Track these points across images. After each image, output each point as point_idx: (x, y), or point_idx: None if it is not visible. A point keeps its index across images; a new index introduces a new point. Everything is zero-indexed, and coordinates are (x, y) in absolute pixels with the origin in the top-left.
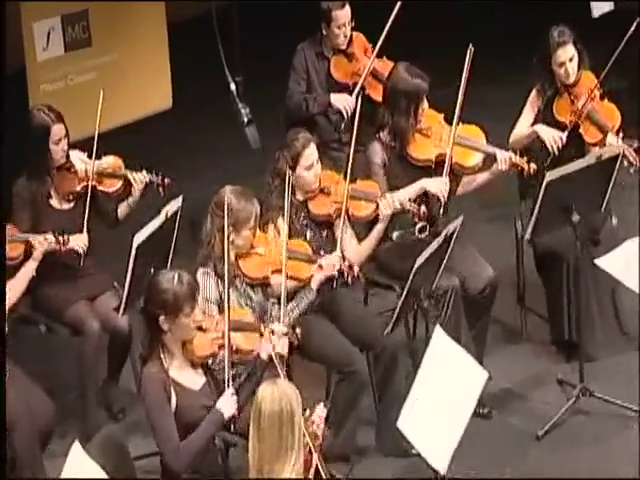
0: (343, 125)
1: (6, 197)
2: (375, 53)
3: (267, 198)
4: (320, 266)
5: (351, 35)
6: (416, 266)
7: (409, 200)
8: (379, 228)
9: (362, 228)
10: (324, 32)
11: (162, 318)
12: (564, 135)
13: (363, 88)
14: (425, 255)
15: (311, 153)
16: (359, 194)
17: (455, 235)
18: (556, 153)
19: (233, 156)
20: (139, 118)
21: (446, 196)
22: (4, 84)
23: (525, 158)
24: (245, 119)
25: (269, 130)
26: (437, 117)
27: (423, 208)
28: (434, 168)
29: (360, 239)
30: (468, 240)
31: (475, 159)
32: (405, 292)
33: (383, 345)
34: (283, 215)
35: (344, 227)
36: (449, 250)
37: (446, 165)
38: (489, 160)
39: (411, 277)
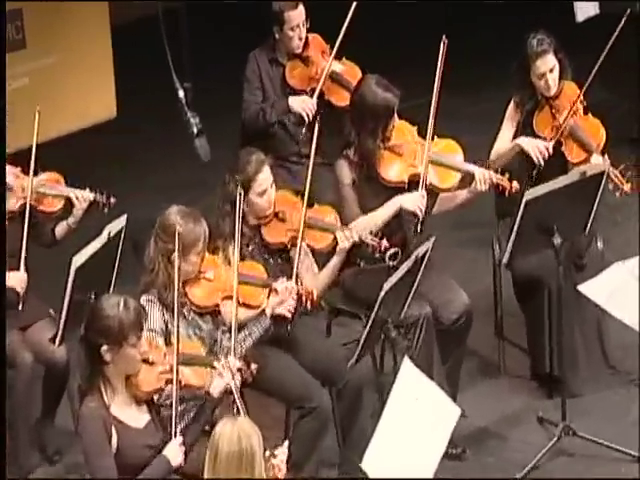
0: (303, 132)
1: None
2: (333, 55)
3: (217, 223)
4: (274, 290)
5: (307, 37)
6: (383, 292)
7: (371, 233)
8: (335, 262)
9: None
10: (277, 36)
11: (104, 348)
12: (550, 145)
13: (322, 93)
14: (393, 280)
15: (265, 178)
16: (316, 223)
17: (426, 258)
18: (542, 164)
19: (181, 170)
20: (79, 129)
21: (423, 211)
22: (3, 84)
23: (507, 175)
24: (195, 129)
25: (221, 141)
26: (410, 131)
27: (384, 242)
28: (408, 188)
29: (322, 266)
30: (440, 264)
31: (452, 180)
32: (371, 321)
33: (347, 379)
34: (234, 242)
35: (301, 256)
36: (419, 275)
37: (420, 185)
38: (468, 178)
39: (378, 304)
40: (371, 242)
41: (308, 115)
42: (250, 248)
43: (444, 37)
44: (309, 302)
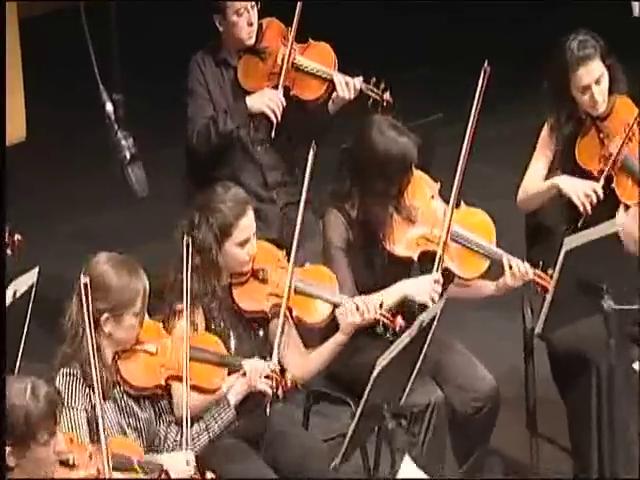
0: (267, 139)
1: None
2: (292, 37)
3: (173, 281)
4: (243, 373)
5: (260, 24)
6: (377, 371)
7: (380, 306)
8: (338, 340)
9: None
10: (220, 28)
11: (7, 450)
12: (599, 186)
13: (287, 89)
14: (390, 355)
15: (248, 224)
16: (308, 289)
17: (434, 326)
18: (589, 213)
19: (109, 207)
20: None
21: (436, 299)
22: (3, 89)
23: (550, 273)
24: (127, 154)
25: (162, 170)
26: (430, 188)
27: (400, 320)
28: (418, 263)
29: (309, 345)
30: (454, 334)
31: (477, 268)
32: (361, 409)
33: None
34: (204, 307)
35: (284, 329)
36: (424, 348)
37: (436, 268)
38: (495, 266)
39: (370, 387)
40: (383, 319)
41: (275, 112)
42: (220, 315)
43: (486, 64)
44: (281, 390)
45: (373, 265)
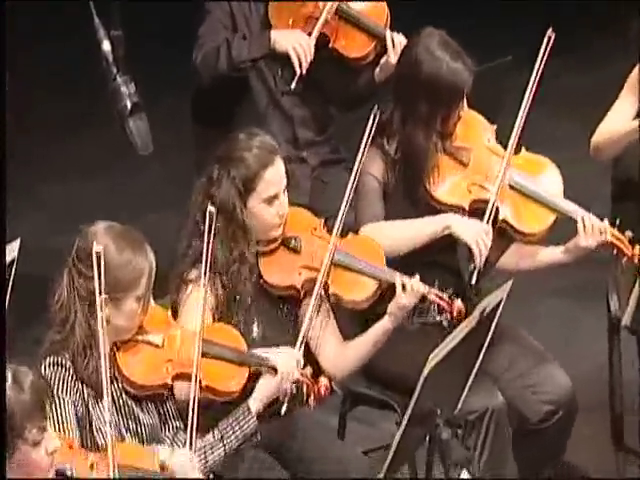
0: (293, 84)
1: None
2: None
3: (183, 253)
4: (273, 369)
5: None
6: (428, 369)
7: (433, 285)
8: (383, 327)
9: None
10: None
11: None
12: None
13: (325, 38)
14: (444, 350)
15: (276, 176)
16: (350, 261)
17: (497, 316)
18: None
19: (105, 168)
20: None
21: (485, 254)
22: (4, 86)
23: (628, 235)
24: (127, 102)
25: (170, 122)
26: (484, 129)
27: (459, 303)
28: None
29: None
30: (522, 326)
31: (540, 222)
32: (409, 414)
33: None
34: (223, 281)
35: (318, 312)
36: (486, 343)
37: (487, 217)
38: (565, 225)
39: (419, 388)
40: (437, 299)
41: (300, 59)
42: (239, 291)
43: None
44: (313, 396)
45: (413, 215)
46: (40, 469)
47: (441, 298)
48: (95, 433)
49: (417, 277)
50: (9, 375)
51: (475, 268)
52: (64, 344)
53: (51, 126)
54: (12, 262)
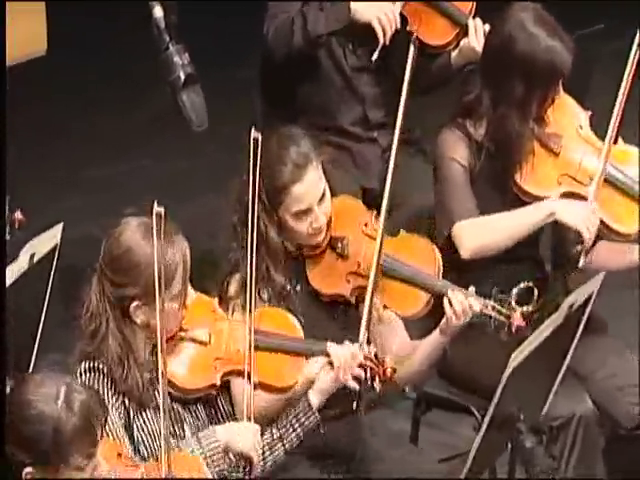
0: (376, 54)
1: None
2: None
3: (233, 252)
4: (329, 361)
5: None
6: (510, 369)
7: (502, 293)
8: (436, 341)
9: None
10: None
11: (29, 472)
12: None
13: (405, 21)
14: (527, 348)
15: (307, 191)
16: (401, 269)
17: (587, 311)
18: None
19: (157, 146)
20: None
21: (593, 236)
22: (4, 83)
23: None
24: (181, 74)
25: (228, 94)
26: (576, 117)
27: (518, 316)
28: None
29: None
30: (613, 323)
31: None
32: (489, 418)
33: None
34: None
35: (376, 316)
36: (574, 342)
37: (590, 199)
38: None
39: (500, 390)
40: (495, 313)
41: (385, 29)
42: (290, 291)
43: None
44: (378, 380)
45: (499, 204)
46: None
47: (499, 312)
48: (138, 444)
49: (472, 290)
50: (61, 392)
51: (582, 251)
52: (97, 356)
53: (95, 103)
54: (54, 249)
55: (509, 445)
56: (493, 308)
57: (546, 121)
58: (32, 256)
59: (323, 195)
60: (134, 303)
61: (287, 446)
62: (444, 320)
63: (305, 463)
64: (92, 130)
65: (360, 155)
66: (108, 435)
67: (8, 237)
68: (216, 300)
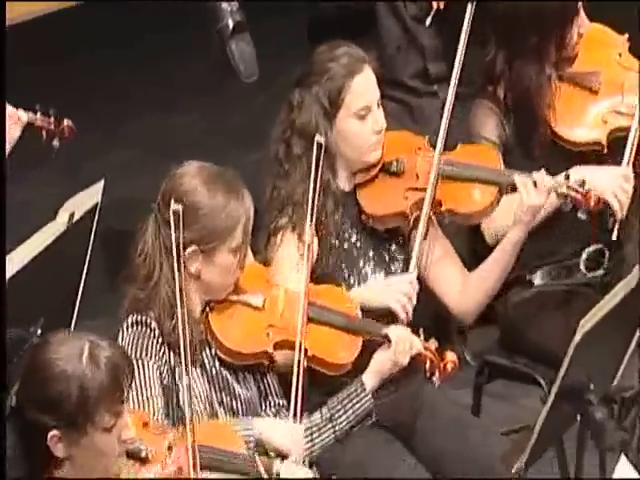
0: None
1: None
2: None
3: (276, 189)
4: (387, 339)
5: None
6: (578, 338)
7: (567, 179)
8: (513, 239)
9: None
10: None
11: (54, 435)
12: None
13: None
14: (596, 316)
15: (366, 85)
16: (462, 170)
17: None
18: None
19: (204, 98)
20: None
21: (626, 204)
22: (3, 79)
23: None
24: (230, 22)
25: (278, 45)
26: (612, 46)
27: (594, 195)
28: (603, 155)
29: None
30: None
31: None
32: (557, 389)
33: None
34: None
35: (433, 244)
36: None
37: (627, 154)
38: None
39: (569, 359)
40: (570, 191)
41: None
42: (339, 232)
43: None
44: (437, 375)
45: (540, 162)
46: (107, 457)
47: (575, 191)
48: (183, 406)
49: (543, 171)
50: (85, 348)
51: (615, 223)
52: (148, 303)
53: (141, 56)
54: (94, 208)
55: (578, 417)
56: (568, 187)
57: (577, 59)
58: (71, 216)
59: (379, 103)
60: (190, 248)
61: (337, 429)
62: (519, 208)
63: (366, 432)
64: (137, 84)
65: (419, 110)
66: (142, 399)
67: (57, 144)
68: (271, 269)
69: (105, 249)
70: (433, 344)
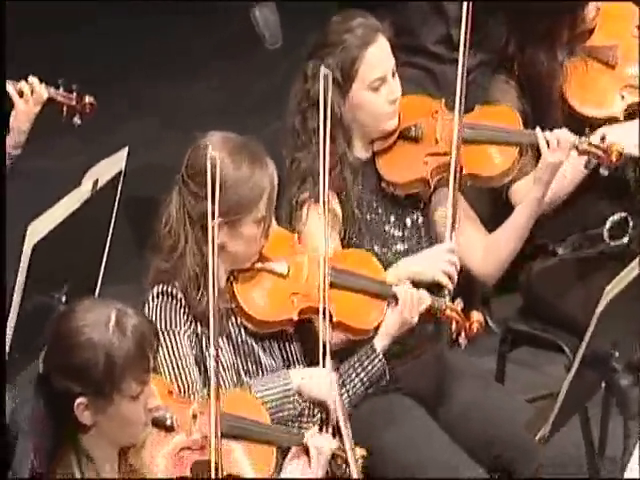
0: None
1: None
2: None
3: (296, 162)
4: (394, 298)
5: None
6: (603, 304)
7: (587, 135)
8: (534, 198)
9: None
10: None
11: (81, 402)
12: None
13: None
14: (622, 282)
15: (380, 55)
16: (482, 132)
17: None
18: None
19: (227, 65)
20: None
21: None
22: (4, 86)
23: None
24: None
25: (302, 12)
26: (630, 19)
27: (616, 152)
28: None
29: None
30: None
31: None
32: (581, 356)
33: (535, 464)
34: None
35: (456, 202)
36: None
37: None
38: None
39: (593, 326)
40: (592, 148)
41: None
42: (360, 201)
43: None
44: (463, 336)
45: None
46: (133, 425)
47: (597, 147)
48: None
49: (564, 129)
50: (112, 316)
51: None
52: (173, 274)
53: (162, 19)
54: (118, 175)
55: (602, 385)
56: (589, 144)
57: (594, 33)
58: (95, 183)
59: (394, 72)
60: (218, 221)
61: (350, 392)
62: (539, 166)
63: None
64: (158, 51)
65: (443, 76)
66: (175, 369)
67: (79, 121)
68: (296, 235)
69: (129, 216)
70: (459, 304)
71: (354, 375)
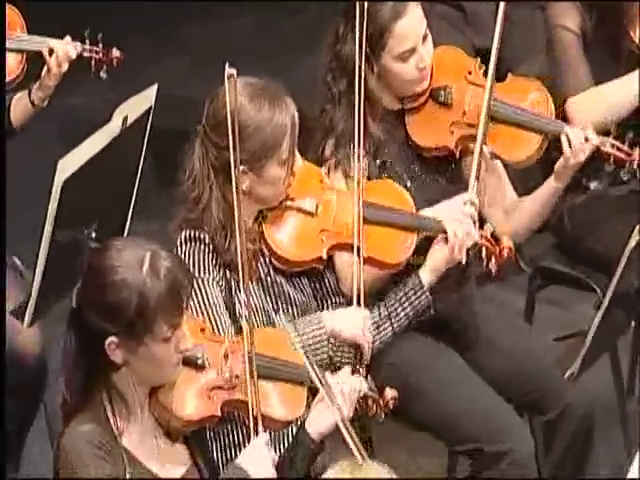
0: None
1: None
2: None
3: (324, 113)
4: (444, 236)
5: None
6: (633, 243)
7: (609, 134)
8: (551, 187)
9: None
10: None
11: (112, 341)
12: None
13: None
14: None
15: (411, 27)
16: (511, 113)
17: None
18: None
19: (257, 3)
20: None
21: None
22: (3, 80)
23: None
24: None
25: None
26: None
27: (638, 154)
28: None
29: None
30: None
31: None
32: (610, 296)
33: (564, 404)
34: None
35: (484, 162)
36: None
37: None
38: None
39: (622, 265)
40: (613, 150)
41: None
42: (392, 158)
43: None
44: (495, 263)
45: (613, 72)
46: (164, 366)
47: (619, 149)
48: (240, 319)
49: (590, 128)
50: (146, 257)
51: None
52: (200, 223)
53: None
54: (148, 111)
55: (632, 324)
56: (612, 145)
57: None
58: (125, 119)
59: (426, 36)
60: (239, 168)
61: (395, 326)
62: (560, 162)
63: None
64: None
65: (474, 14)
66: (206, 312)
67: (105, 75)
68: (324, 169)
69: (157, 151)
70: (489, 230)
71: (400, 309)
